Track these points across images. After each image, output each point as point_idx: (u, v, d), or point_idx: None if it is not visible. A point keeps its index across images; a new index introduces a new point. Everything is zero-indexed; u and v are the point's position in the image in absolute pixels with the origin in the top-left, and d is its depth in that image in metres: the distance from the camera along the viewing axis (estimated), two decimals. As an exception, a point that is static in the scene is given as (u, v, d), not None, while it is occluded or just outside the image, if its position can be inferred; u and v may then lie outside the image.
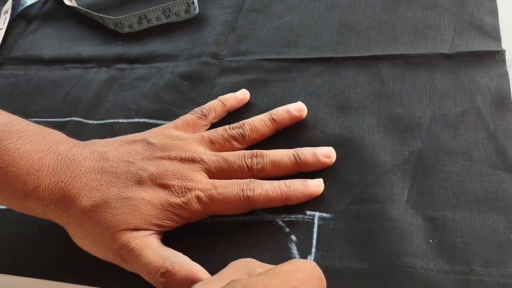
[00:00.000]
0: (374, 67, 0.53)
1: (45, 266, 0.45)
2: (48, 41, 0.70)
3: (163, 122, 0.54)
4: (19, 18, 0.74)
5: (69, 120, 0.57)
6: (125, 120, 0.56)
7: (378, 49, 0.55)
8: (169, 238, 0.43)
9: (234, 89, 0.55)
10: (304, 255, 0.41)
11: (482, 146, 0.45)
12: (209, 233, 0.44)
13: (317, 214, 0.43)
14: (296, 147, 0.47)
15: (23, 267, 0.45)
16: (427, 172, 0.44)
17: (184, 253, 0.41)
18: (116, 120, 0.56)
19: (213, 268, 0.41)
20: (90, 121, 0.57)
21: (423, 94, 0.50)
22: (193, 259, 0.41)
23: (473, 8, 0.56)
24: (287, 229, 0.43)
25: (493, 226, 0.39)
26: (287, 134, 0.50)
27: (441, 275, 0.38)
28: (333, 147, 0.47)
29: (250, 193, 0.42)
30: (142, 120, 0.55)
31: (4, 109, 0.60)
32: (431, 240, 0.40)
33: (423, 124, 0.47)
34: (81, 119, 0.57)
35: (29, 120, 0.45)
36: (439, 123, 0.47)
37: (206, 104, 0.52)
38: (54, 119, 0.58)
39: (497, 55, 0.51)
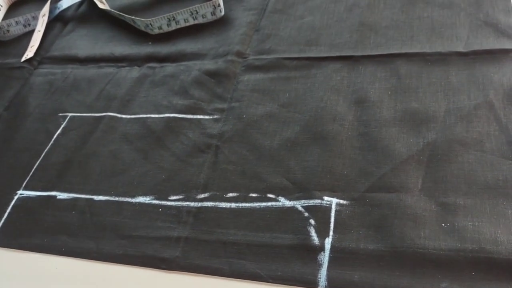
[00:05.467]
0: (392, 64, 0.56)
1: (81, 247, 0.49)
2: (83, 42, 0.75)
3: (192, 117, 0.57)
4: (56, 21, 0.79)
5: (104, 115, 0.61)
6: (156, 115, 0.59)
7: (395, 47, 0.58)
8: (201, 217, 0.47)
9: (258, 85, 0.59)
10: (322, 237, 0.44)
11: (494, 137, 0.47)
12: (233, 217, 0.47)
13: (334, 200, 0.46)
14: (316, 140, 0.51)
15: (62, 247, 0.49)
16: (441, 162, 0.46)
17: (212, 232, 0.45)
18: (148, 116, 0.59)
19: (237, 249, 0.45)
20: (124, 116, 0.60)
21: (438, 89, 0.52)
22: (219, 240, 0.45)
23: (488, 7, 0.59)
24: (306, 214, 0.46)
25: (503, 211, 0.42)
26: (307, 127, 0.53)
27: (452, 254, 0.40)
28: (350, 140, 0.50)
29: None
30: (172, 115, 0.58)
31: (43, 104, 0.65)
32: (443, 224, 0.42)
33: (437, 117, 0.50)
34: (115, 114, 0.61)
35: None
36: (453, 116, 0.49)
37: None
38: (90, 114, 0.62)
39: (511, 53, 0.53)
